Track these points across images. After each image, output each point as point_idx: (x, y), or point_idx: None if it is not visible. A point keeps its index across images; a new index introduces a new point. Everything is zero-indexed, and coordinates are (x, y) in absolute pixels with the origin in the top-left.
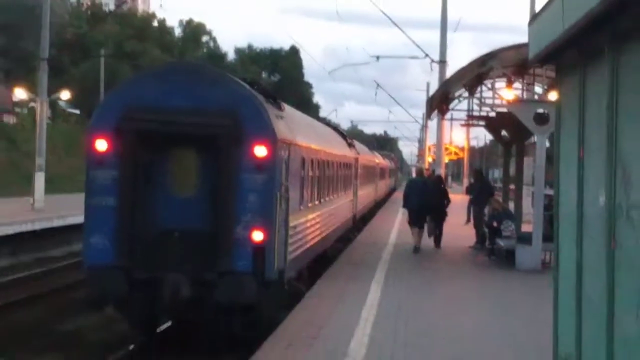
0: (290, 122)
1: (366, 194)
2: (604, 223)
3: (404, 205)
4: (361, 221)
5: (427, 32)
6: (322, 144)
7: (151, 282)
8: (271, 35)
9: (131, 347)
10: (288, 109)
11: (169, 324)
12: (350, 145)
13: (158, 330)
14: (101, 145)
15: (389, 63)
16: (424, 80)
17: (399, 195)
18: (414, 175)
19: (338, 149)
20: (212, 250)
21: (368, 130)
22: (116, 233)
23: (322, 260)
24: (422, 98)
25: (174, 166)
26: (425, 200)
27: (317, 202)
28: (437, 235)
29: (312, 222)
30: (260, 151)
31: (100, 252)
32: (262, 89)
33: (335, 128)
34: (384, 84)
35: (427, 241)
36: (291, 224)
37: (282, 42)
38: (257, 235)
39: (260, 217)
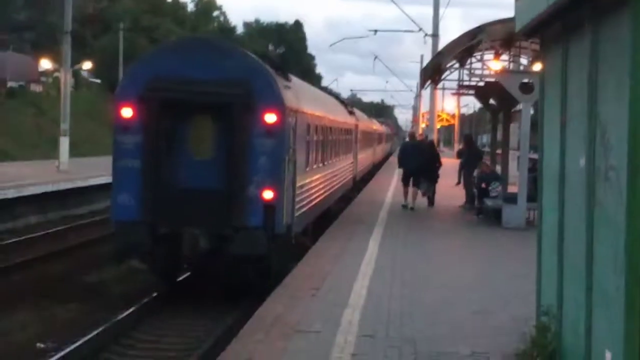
0: (296, 92)
1: (365, 157)
2: (584, 183)
3: (399, 166)
4: (361, 182)
5: (421, 7)
6: (326, 111)
7: (172, 236)
8: (277, 9)
9: (154, 294)
10: (294, 79)
11: (187, 274)
12: (351, 112)
13: (178, 280)
14: (127, 112)
15: (386, 36)
16: (418, 53)
17: (395, 159)
18: (407, 139)
19: (340, 116)
20: (227, 207)
21: (366, 98)
22: (141, 192)
23: (326, 217)
24: (417, 69)
25: (192, 131)
26: (417, 161)
27: (321, 165)
28: (431, 195)
29: (317, 183)
30: (270, 118)
31: (127, 209)
32: (272, 61)
33: (337, 97)
34: (381, 56)
35: (421, 200)
36: (298, 184)
37: (286, 16)
38: (268, 194)
39: (270, 177)
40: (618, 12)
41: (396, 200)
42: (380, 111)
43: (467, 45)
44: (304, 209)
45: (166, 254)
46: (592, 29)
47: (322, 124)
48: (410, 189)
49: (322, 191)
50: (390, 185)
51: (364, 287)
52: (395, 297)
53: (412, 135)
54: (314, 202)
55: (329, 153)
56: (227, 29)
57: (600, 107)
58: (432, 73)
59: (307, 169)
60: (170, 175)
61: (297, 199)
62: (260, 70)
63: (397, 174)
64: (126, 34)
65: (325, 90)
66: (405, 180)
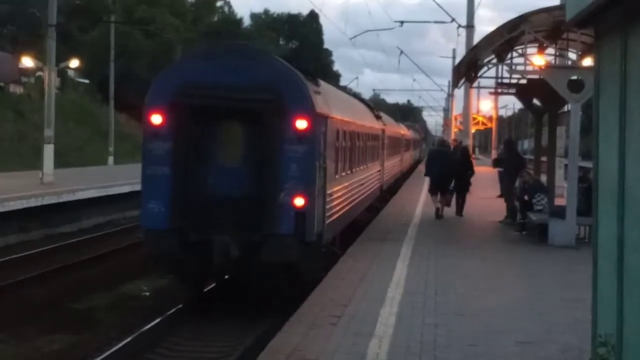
0: (326, 97)
1: (392, 165)
2: None
3: (426, 174)
4: (387, 192)
5: None
6: (353, 116)
7: (203, 244)
8: (288, 0)
9: (153, 322)
10: (323, 84)
11: (213, 285)
12: (377, 117)
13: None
14: (157, 119)
15: (410, 30)
16: (446, 48)
17: (423, 167)
18: (434, 146)
19: (367, 121)
20: (258, 214)
21: (390, 99)
22: (170, 199)
23: (352, 228)
24: (446, 66)
25: (223, 138)
26: (446, 169)
27: (349, 172)
28: (460, 204)
29: (346, 191)
30: (301, 124)
31: (157, 216)
32: (301, 67)
33: (363, 100)
34: (405, 52)
35: (449, 211)
36: (328, 191)
37: (299, 7)
38: (299, 201)
39: (302, 184)
40: None
41: (426, 213)
42: (407, 113)
43: (507, 38)
44: (334, 217)
45: (196, 262)
46: None
47: (351, 130)
48: (438, 197)
49: (350, 200)
50: (420, 196)
51: (392, 315)
52: (428, 325)
53: (441, 142)
54: (343, 211)
55: (357, 160)
56: (232, 21)
57: None
58: (466, 70)
59: (337, 176)
60: (201, 182)
61: (327, 207)
62: (291, 76)
63: (426, 183)
64: (118, 28)
65: (346, 90)
66: (433, 190)
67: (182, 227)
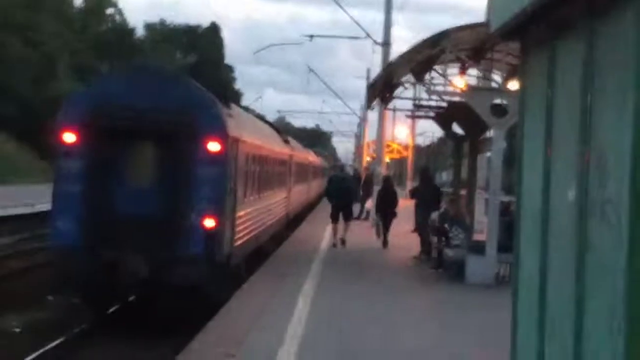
0: (237, 120)
1: (299, 192)
2: (573, 222)
3: (329, 201)
4: (293, 221)
5: (364, 11)
6: (263, 140)
7: (112, 263)
8: (185, 9)
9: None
10: (234, 107)
11: (117, 306)
12: (286, 141)
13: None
14: (69, 137)
15: (317, 47)
16: (357, 68)
17: None
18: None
19: (276, 146)
20: (169, 235)
21: (297, 122)
22: (81, 217)
23: (257, 255)
24: (358, 88)
25: (135, 158)
26: (345, 193)
27: (257, 196)
28: (384, 235)
29: (254, 214)
30: (214, 147)
31: (67, 233)
32: (215, 90)
33: (271, 124)
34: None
35: (374, 243)
36: (237, 213)
37: (198, 18)
38: (209, 222)
39: (213, 205)
40: (620, 7)
41: (332, 249)
42: (315, 139)
43: (427, 56)
44: (243, 240)
45: (105, 281)
46: (588, 25)
47: (260, 154)
48: (340, 225)
49: (258, 224)
50: (326, 227)
51: (291, 355)
52: None
53: (341, 168)
54: (251, 234)
55: (265, 185)
56: (124, 31)
57: (596, 123)
58: (381, 89)
59: (245, 200)
60: (112, 201)
61: (236, 229)
62: (204, 99)
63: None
64: None
65: (249, 112)
66: (334, 216)
67: (92, 245)
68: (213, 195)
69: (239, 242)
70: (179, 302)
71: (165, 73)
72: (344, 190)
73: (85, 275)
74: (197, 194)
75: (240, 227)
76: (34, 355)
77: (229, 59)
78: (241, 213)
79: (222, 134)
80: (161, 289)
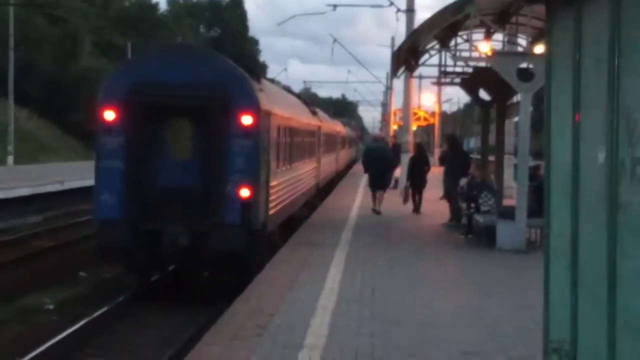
0: (268, 94)
1: (328, 163)
2: (604, 184)
3: (365, 171)
4: (323, 190)
5: None
6: (292, 113)
7: (153, 233)
8: None
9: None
10: (265, 81)
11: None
12: (314, 113)
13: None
14: (109, 115)
15: (339, 17)
16: (379, 36)
17: (359, 168)
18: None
19: (304, 118)
20: (207, 205)
21: (323, 93)
22: (122, 192)
23: (289, 224)
24: (382, 57)
25: (172, 133)
26: (383, 165)
27: (289, 167)
28: (418, 201)
29: (286, 184)
30: (247, 120)
31: (109, 207)
32: (246, 65)
33: (299, 96)
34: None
35: (403, 211)
36: (271, 184)
37: None
38: (245, 192)
39: (247, 176)
40: None
41: (362, 215)
42: (342, 109)
43: (451, 22)
44: (276, 209)
45: (147, 251)
46: None
47: (290, 126)
48: (375, 192)
49: (290, 194)
50: (356, 197)
51: (325, 324)
52: (364, 335)
53: (375, 138)
54: (284, 203)
55: (296, 156)
56: (147, 6)
57: (625, 84)
58: (406, 57)
59: (278, 170)
60: (152, 175)
61: (270, 199)
62: (236, 74)
63: (363, 185)
64: (17, 13)
65: (274, 83)
66: (372, 185)
67: (134, 218)
68: (247, 166)
69: (272, 211)
70: (218, 270)
71: (198, 50)
72: (378, 160)
73: (129, 246)
74: (232, 165)
75: (274, 197)
76: (69, 331)
77: (253, 32)
78: (274, 183)
79: (254, 107)
80: (201, 256)
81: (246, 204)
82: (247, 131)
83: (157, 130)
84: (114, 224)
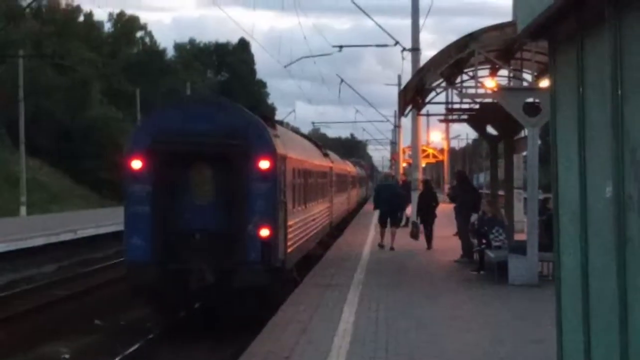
0: (283, 139)
1: (340, 202)
2: (611, 217)
3: (375, 208)
4: (336, 229)
5: (386, 19)
6: (306, 155)
7: (181, 273)
8: (210, 24)
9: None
10: (279, 127)
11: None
12: (325, 154)
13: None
14: (137, 164)
15: (343, 57)
16: (383, 75)
17: (370, 206)
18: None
19: (317, 159)
20: (229, 244)
21: (331, 133)
22: (151, 235)
23: (305, 261)
24: (389, 95)
25: (195, 179)
26: (394, 201)
27: (304, 207)
28: (428, 236)
29: (302, 224)
30: (265, 164)
31: (139, 250)
32: (262, 114)
33: (310, 138)
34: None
35: (415, 247)
36: (288, 223)
37: (226, 36)
38: (264, 232)
39: (267, 217)
40: None
41: (374, 253)
42: (351, 148)
43: (456, 59)
44: (294, 247)
45: (174, 290)
46: (615, 21)
47: (304, 168)
48: (388, 230)
49: (305, 232)
50: (367, 235)
51: None
52: None
53: (386, 176)
54: (301, 242)
55: (310, 196)
56: (154, 52)
57: (629, 117)
58: (413, 95)
59: (294, 210)
60: (177, 218)
61: (287, 237)
62: (254, 122)
63: (374, 223)
64: (27, 63)
65: (284, 126)
66: (382, 221)
67: (162, 259)
68: (266, 207)
69: (290, 249)
70: (242, 306)
71: (216, 100)
72: (388, 198)
73: (157, 286)
74: (252, 207)
75: (291, 235)
76: None
77: (258, 74)
78: (291, 222)
79: (271, 153)
80: (225, 293)
81: (266, 242)
82: (265, 175)
83: (180, 176)
84: (144, 265)
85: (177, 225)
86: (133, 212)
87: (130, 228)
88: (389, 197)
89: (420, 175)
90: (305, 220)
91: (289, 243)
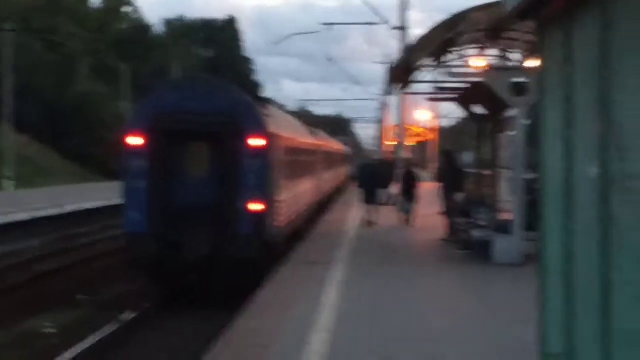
0: (274, 118)
1: (327, 179)
2: (596, 198)
3: (359, 186)
4: (323, 206)
5: None
6: (295, 134)
7: (176, 244)
8: (199, 2)
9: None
10: (270, 107)
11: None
12: (312, 132)
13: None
14: (136, 141)
15: (328, 35)
16: (369, 54)
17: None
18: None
19: (305, 138)
20: (223, 218)
21: (318, 110)
22: (148, 208)
23: (294, 237)
24: (375, 73)
25: (191, 155)
26: (376, 180)
27: (293, 184)
28: (408, 215)
29: (291, 200)
30: (257, 142)
31: (137, 222)
32: (254, 94)
33: (299, 117)
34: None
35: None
36: (279, 199)
37: (214, 13)
38: (257, 207)
39: (258, 192)
40: None
41: (361, 230)
42: (337, 127)
43: (445, 38)
44: (284, 222)
45: (171, 260)
46: (602, 1)
47: (293, 146)
48: (369, 206)
49: (294, 208)
50: (354, 214)
51: (324, 342)
52: (363, 353)
53: (371, 155)
54: (289, 216)
55: (299, 173)
56: (142, 28)
57: (615, 98)
58: (401, 74)
59: (284, 187)
60: (173, 192)
61: (277, 212)
62: (246, 102)
63: (359, 201)
64: (15, 39)
65: (271, 103)
66: (368, 200)
67: (159, 231)
68: (258, 183)
69: (281, 223)
70: (235, 277)
71: (211, 82)
72: (371, 176)
73: (154, 257)
74: (245, 183)
75: (282, 211)
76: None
77: (246, 51)
78: (281, 198)
79: (262, 131)
80: (219, 263)
81: (258, 216)
82: (257, 152)
83: (177, 153)
84: (141, 236)
85: (172, 199)
86: (131, 186)
87: (129, 202)
88: (372, 175)
89: (405, 154)
90: (295, 196)
91: (280, 218)
